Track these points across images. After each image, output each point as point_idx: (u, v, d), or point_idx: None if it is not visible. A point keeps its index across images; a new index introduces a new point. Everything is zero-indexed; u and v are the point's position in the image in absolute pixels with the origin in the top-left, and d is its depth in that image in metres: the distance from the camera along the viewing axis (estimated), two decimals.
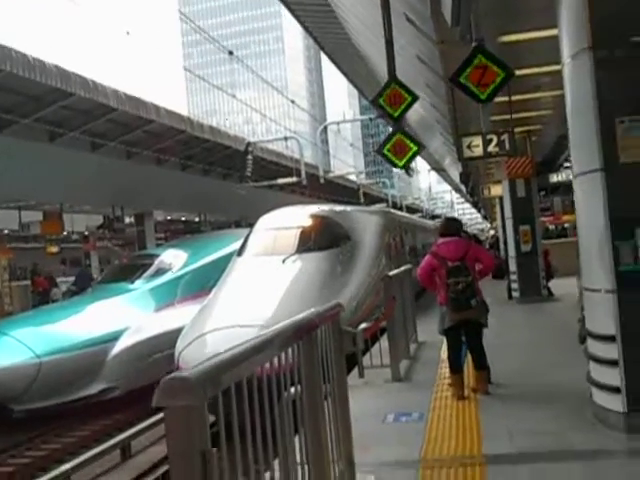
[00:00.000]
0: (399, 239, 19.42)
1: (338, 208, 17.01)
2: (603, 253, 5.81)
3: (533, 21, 8.26)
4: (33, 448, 12.84)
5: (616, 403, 5.81)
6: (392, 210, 24.74)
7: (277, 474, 3.47)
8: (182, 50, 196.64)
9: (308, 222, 13.99)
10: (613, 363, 5.78)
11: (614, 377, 5.79)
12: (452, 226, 8.27)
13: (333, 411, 4.71)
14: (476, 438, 6.05)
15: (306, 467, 4.02)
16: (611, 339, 5.78)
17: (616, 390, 5.79)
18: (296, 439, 3.96)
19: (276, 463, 3.50)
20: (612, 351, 5.78)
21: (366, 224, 15.33)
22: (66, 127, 22.10)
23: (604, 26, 5.73)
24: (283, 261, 12.69)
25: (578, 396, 6.62)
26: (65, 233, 30.53)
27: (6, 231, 30.17)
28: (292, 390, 3.88)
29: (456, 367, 7.82)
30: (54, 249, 35.01)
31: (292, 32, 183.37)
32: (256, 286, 12.19)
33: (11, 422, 13.74)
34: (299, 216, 14.46)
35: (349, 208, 17.82)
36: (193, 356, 10.23)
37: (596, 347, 6.07)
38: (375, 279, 13.16)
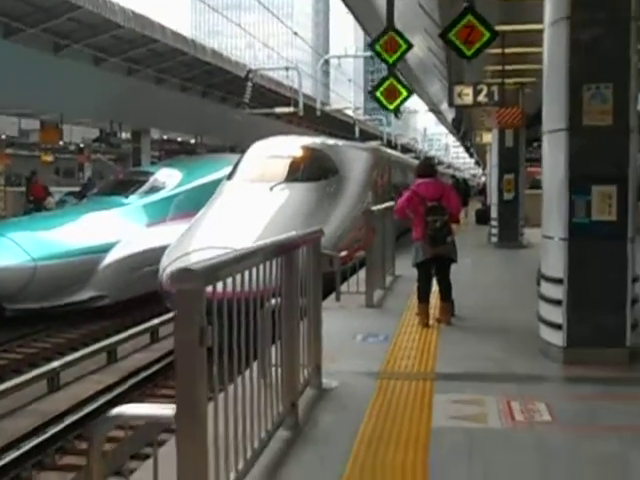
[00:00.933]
0: (388, 177, 19.79)
1: (330, 141, 17.37)
2: (561, 205, 6.50)
3: None
4: (24, 345, 13.58)
5: (557, 338, 6.58)
6: (383, 148, 24.85)
7: (255, 373, 4.12)
8: None
9: (299, 153, 14.42)
10: (558, 303, 6.52)
11: (558, 315, 6.55)
12: (429, 168, 8.98)
13: (307, 323, 5.41)
14: (432, 359, 6.81)
15: (280, 369, 4.70)
16: (559, 281, 6.51)
17: (558, 327, 6.54)
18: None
19: (255, 364, 4.14)
20: (559, 292, 6.53)
21: (356, 159, 15.76)
22: (71, 39, 22.37)
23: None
24: (271, 188, 13.14)
25: (529, 332, 7.35)
26: (61, 143, 30.86)
27: (3, 137, 30.52)
28: (273, 301, 4.55)
29: (424, 297, 8.56)
30: (49, 158, 35.39)
31: None
32: (242, 211, 12.63)
33: (3, 320, 14.45)
34: (291, 146, 14.87)
35: (340, 142, 18.14)
36: None
37: (546, 288, 6.81)
38: (360, 213, 13.62)
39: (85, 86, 23.63)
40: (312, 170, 13.99)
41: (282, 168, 13.80)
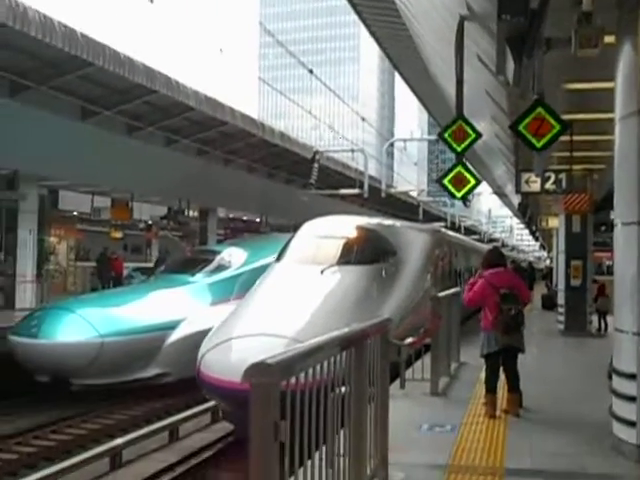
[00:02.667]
0: (450, 261, 18.86)
1: (387, 222, 16.53)
2: (633, 299, 6.38)
3: (595, 74, 8.82)
4: (88, 421, 13.74)
5: (631, 436, 6.37)
6: (444, 230, 23.59)
7: (323, 462, 4.09)
8: (258, 50, 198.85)
9: (354, 233, 13.44)
10: (632, 399, 6.34)
11: (631, 412, 6.35)
12: (500, 257, 8.94)
13: (374, 412, 5.36)
14: (500, 453, 6.65)
15: (347, 459, 4.65)
16: (632, 377, 6.34)
17: (632, 424, 6.35)
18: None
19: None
20: (632, 388, 6.35)
21: (415, 241, 14.78)
22: (144, 121, 23.19)
23: None
24: (321, 272, 12.15)
25: (600, 427, 7.16)
26: (130, 220, 31.60)
27: (75, 213, 31.43)
28: (342, 389, 4.53)
29: (492, 387, 8.41)
30: (118, 235, 36.20)
31: (369, 42, 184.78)
32: (291, 295, 11.74)
33: (69, 395, 14.68)
34: (345, 226, 13.92)
35: (399, 223, 17.13)
36: (216, 361, 10.20)
37: (619, 383, 6.63)
38: (417, 300, 13.11)
39: (156, 166, 24.34)
40: (367, 252, 12.96)
41: (334, 250, 12.79)
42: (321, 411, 3.92)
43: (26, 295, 20.73)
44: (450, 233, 24.28)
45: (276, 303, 11.49)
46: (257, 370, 3.00)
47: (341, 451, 4.51)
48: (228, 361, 9.82)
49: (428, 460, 6.39)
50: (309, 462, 3.74)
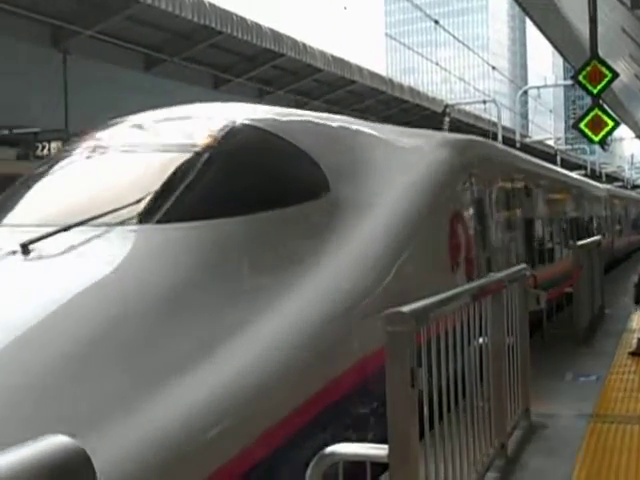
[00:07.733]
0: (506, 209, 9.36)
1: (315, 116, 6.89)
2: None
3: None
4: None
5: None
6: (494, 143, 12.72)
7: (464, 413, 4.11)
8: (384, 7, 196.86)
9: (209, 140, 5.07)
10: None
11: None
12: None
13: (515, 362, 5.33)
14: None
15: (488, 409, 4.65)
16: None
17: None
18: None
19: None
20: None
21: (391, 164, 6.46)
22: (274, 85, 23.54)
23: None
24: (23, 249, 4.05)
25: None
26: None
27: None
28: (480, 340, 4.53)
29: None
30: None
31: None
32: None
33: None
34: (193, 124, 5.53)
35: (355, 121, 7.55)
36: None
37: None
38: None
39: None
40: (238, 185, 4.95)
41: (145, 183, 4.75)
42: (459, 361, 3.94)
43: None
44: (514, 151, 12.17)
45: None
46: (393, 318, 3.05)
47: (481, 402, 4.53)
48: None
49: (572, 409, 6.28)
50: (449, 412, 3.78)
